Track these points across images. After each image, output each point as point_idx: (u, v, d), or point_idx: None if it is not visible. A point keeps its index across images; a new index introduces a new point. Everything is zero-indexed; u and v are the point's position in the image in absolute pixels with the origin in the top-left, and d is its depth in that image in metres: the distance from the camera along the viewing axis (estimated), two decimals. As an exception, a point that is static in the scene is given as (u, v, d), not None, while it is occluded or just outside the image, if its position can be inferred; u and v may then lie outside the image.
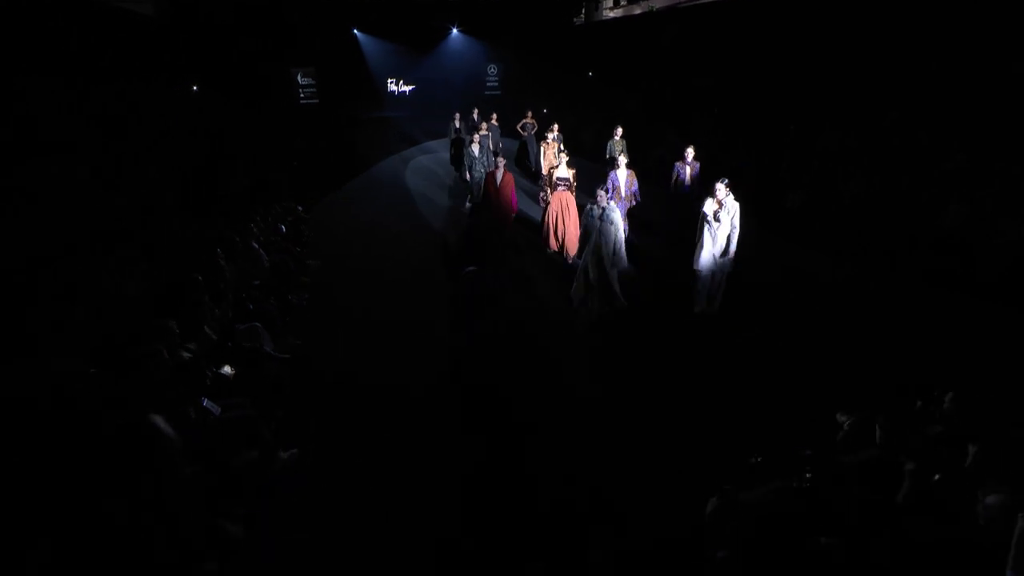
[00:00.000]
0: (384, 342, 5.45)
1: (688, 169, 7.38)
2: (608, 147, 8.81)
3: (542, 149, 9.87)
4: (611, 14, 14.64)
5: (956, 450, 2.82)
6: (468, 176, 9.54)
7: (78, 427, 2.92)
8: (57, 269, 4.52)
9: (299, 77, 15.92)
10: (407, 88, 16.23)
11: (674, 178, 7.49)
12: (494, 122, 10.80)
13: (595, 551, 2.84)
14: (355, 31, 15.59)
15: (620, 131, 8.71)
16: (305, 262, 6.61)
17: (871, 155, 8.37)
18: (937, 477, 2.49)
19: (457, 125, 11.60)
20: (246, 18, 13.76)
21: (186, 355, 3.53)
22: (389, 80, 16.26)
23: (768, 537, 2.31)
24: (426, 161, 13.26)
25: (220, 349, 3.98)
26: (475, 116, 11.35)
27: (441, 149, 14.05)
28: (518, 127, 11.48)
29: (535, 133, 11.34)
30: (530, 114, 11.39)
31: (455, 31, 15.38)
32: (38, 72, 7.57)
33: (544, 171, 9.28)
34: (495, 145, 10.11)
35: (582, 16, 15.10)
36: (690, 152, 7.35)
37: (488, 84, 16.08)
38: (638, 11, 14.03)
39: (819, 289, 6.48)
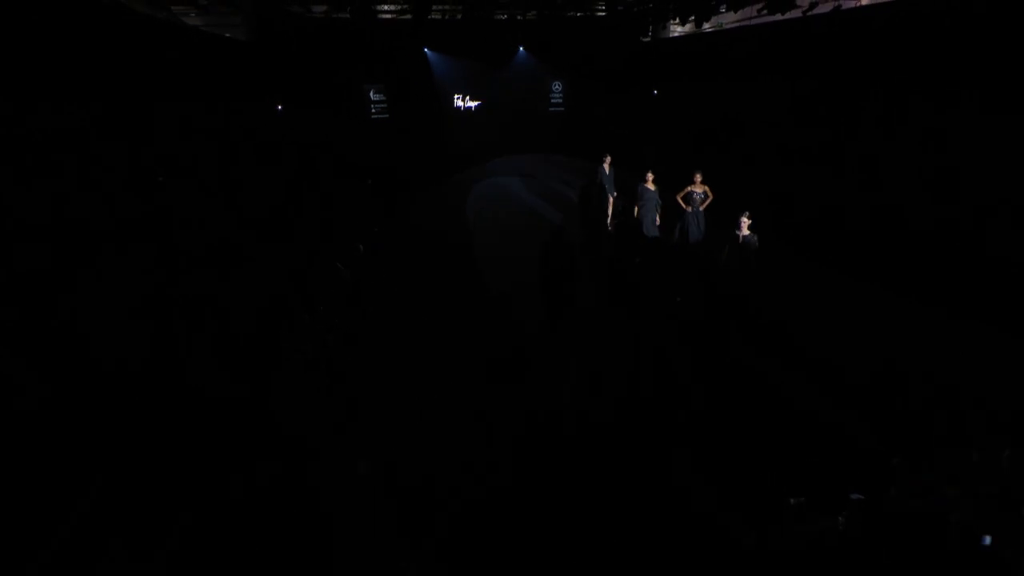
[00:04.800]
0: (439, 349, 6.38)
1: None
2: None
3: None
4: (678, 31, 15.10)
5: (1012, 512, 3.04)
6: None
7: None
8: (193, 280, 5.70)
9: (371, 93, 17.41)
10: (472, 104, 17.33)
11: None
12: (650, 184, 8.59)
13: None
14: (425, 49, 16.88)
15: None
16: (378, 278, 7.64)
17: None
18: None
19: (607, 171, 9.73)
20: (327, 40, 15.34)
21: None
22: (456, 96, 17.42)
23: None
24: (489, 183, 14.31)
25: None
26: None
27: (504, 170, 15.06)
28: (678, 197, 8.51)
29: (706, 207, 8.48)
30: (699, 178, 8.38)
31: (521, 49, 16.34)
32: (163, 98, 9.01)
33: None
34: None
35: (649, 34, 15.64)
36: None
37: (552, 101, 16.94)
38: (708, 27, 14.40)
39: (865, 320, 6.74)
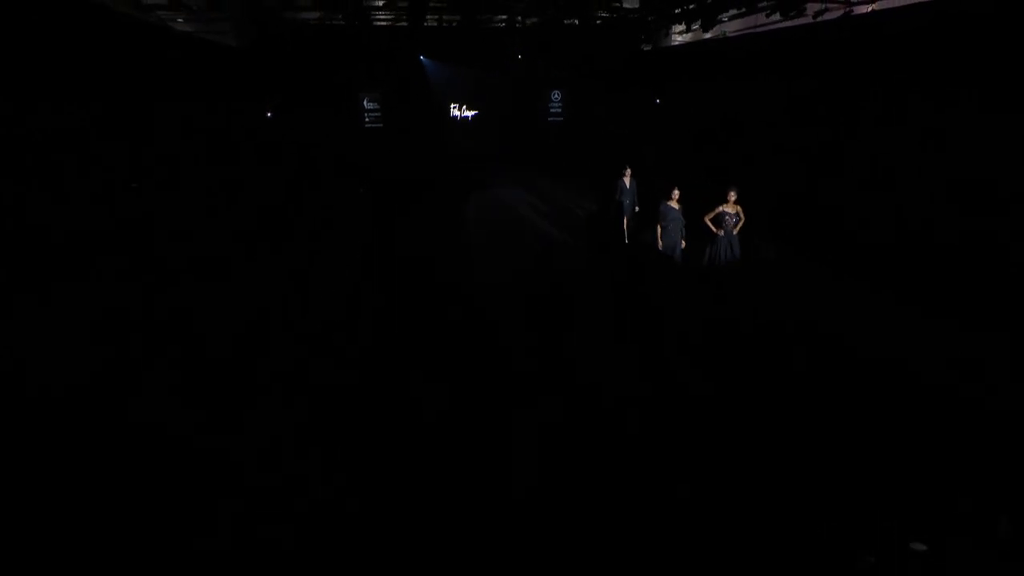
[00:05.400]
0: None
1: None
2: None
3: None
4: (679, 39, 15.14)
5: None
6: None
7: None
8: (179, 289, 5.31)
9: (365, 102, 17.15)
10: (469, 114, 17.16)
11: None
12: (674, 203, 7.90)
13: None
14: (421, 57, 16.71)
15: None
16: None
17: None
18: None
19: (627, 184, 9.29)
20: (320, 45, 15.09)
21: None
22: (452, 105, 17.24)
23: None
24: (488, 194, 14.04)
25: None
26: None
27: (502, 180, 14.77)
28: (707, 219, 7.61)
29: (739, 230, 7.57)
30: (733, 197, 7.48)
31: (520, 57, 16.26)
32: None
33: None
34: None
35: (650, 43, 15.67)
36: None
37: (552, 111, 16.84)
38: (709, 35, 14.46)
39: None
